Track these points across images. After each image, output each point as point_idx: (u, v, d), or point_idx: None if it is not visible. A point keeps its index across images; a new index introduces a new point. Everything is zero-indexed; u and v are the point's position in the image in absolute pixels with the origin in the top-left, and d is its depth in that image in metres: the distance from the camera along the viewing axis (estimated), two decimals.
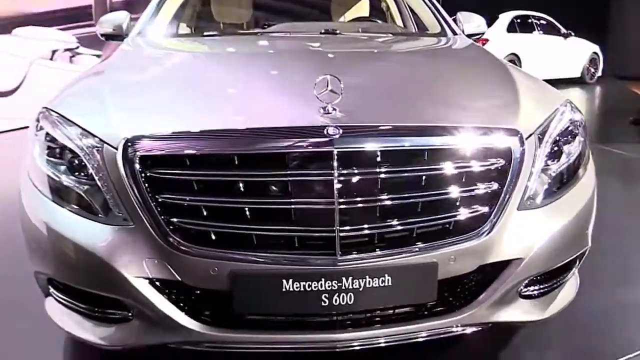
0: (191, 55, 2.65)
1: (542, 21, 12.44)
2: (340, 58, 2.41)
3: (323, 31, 2.90)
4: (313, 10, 4.60)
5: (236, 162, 1.54)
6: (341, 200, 1.52)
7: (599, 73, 13.34)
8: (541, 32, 12.26)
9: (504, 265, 1.68)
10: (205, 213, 1.55)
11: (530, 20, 12.19)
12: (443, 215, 1.60)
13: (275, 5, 4.62)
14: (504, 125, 1.73)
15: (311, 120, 1.60)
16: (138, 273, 1.56)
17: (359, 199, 1.54)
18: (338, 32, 2.89)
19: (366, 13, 4.07)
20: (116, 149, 1.59)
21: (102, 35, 3.15)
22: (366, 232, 1.55)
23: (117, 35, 3.03)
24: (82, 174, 1.65)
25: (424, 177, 1.59)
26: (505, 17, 11.66)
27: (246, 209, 1.54)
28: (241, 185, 1.54)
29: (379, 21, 3.96)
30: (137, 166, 1.55)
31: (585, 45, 12.99)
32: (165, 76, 2.17)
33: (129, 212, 1.57)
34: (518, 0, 11.83)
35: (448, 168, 1.61)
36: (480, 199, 1.64)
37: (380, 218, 1.56)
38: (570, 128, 1.89)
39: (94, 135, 1.65)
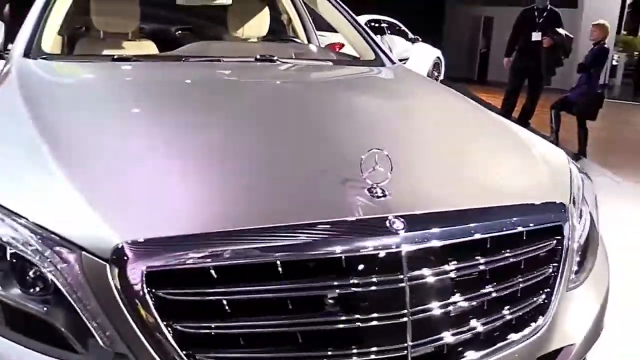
0: (138, 94, 2.03)
1: (386, 25, 12.83)
2: (346, 112, 2.02)
3: (259, 57, 2.55)
4: (207, 21, 4.18)
5: (281, 272, 1.17)
6: (413, 310, 1.22)
7: (442, 77, 14.14)
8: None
9: (557, 352, 1.51)
10: (242, 341, 1.16)
11: (381, 25, 12.52)
12: (509, 311, 1.38)
13: (164, 14, 4.12)
14: (549, 198, 1.55)
15: (367, 210, 1.27)
16: None
17: (430, 306, 1.25)
18: (275, 59, 2.55)
19: (266, 26, 3.72)
20: (106, 261, 1.12)
21: None
22: (437, 343, 1.27)
23: None
24: (38, 288, 1.16)
25: (489, 269, 1.35)
26: (360, 21, 11.81)
27: (298, 331, 1.18)
28: (289, 301, 1.17)
29: (297, 40, 3.66)
30: (144, 286, 1.11)
31: (430, 50, 13.67)
32: (123, 131, 1.62)
33: (130, 346, 1.11)
34: (364, 5, 12.10)
35: (511, 255, 1.39)
36: (538, 285, 1.45)
37: (450, 325, 1.29)
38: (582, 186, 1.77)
39: (61, 237, 1.16)
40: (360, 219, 1.24)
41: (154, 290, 1.12)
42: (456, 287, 1.30)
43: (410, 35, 13.08)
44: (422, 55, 13.31)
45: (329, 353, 1.19)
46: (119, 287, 1.11)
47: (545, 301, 1.44)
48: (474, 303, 1.33)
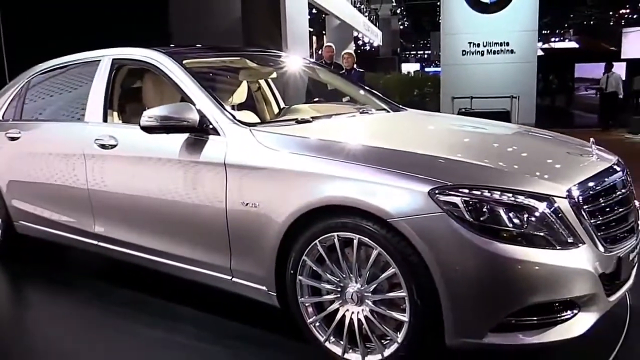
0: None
1: None
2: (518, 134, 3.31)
3: (360, 112, 3.50)
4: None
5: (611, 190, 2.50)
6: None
7: None
8: None
9: None
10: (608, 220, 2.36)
11: None
12: None
13: None
14: None
15: (606, 159, 2.69)
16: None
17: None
18: (370, 110, 3.58)
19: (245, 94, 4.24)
20: (564, 198, 2.22)
21: (147, 128, 2.77)
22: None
23: (185, 128, 2.75)
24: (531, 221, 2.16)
25: None
26: None
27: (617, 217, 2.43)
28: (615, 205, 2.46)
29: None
30: (582, 204, 2.25)
31: None
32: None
33: (577, 236, 2.20)
34: None
35: None
36: None
37: None
38: None
39: (543, 194, 2.19)
40: (611, 165, 2.60)
41: (584, 206, 2.25)
42: None
43: None
44: None
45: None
46: (571, 207, 2.20)
47: None
48: None
